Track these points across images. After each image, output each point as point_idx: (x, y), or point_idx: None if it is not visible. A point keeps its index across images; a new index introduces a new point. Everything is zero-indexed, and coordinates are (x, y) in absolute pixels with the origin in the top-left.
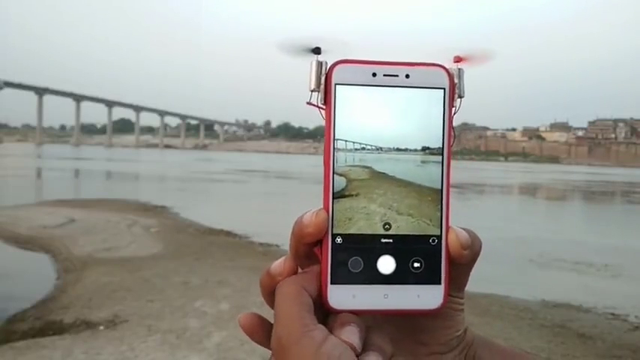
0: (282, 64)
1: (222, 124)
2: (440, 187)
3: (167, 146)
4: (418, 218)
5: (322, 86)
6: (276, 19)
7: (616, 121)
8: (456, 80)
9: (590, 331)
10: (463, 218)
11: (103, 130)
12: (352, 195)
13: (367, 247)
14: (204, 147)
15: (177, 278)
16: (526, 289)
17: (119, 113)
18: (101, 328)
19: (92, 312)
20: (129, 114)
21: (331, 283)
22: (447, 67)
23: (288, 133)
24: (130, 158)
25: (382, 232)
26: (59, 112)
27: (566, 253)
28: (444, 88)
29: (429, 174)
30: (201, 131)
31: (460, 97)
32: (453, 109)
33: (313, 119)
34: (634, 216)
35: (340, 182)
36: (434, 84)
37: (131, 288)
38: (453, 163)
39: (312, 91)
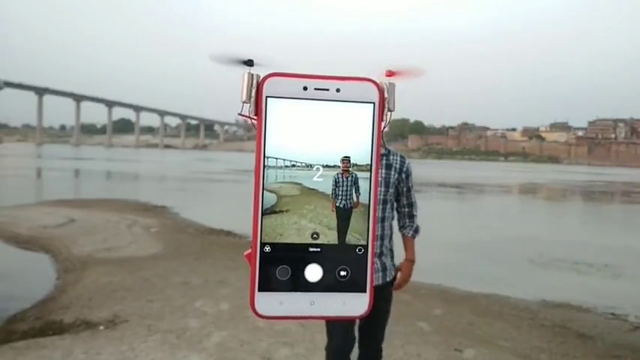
0: (282, 64)
1: (222, 124)
2: (367, 202)
3: (167, 146)
4: (347, 232)
5: (253, 98)
6: (277, 19)
7: (616, 121)
8: (386, 95)
9: (590, 331)
10: (463, 218)
11: (103, 130)
12: (283, 211)
13: (295, 255)
14: (204, 147)
15: (177, 278)
16: (526, 289)
17: (119, 113)
18: (101, 328)
19: (92, 312)
20: (129, 114)
21: (258, 290)
22: (379, 81)
23: None
24: (129, 158)
25: (310, 241)
26: (59, 112)
27: (566, 253)
28: (374, 103)
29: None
30: (201, 131)
31: (390, 110)
32: (382, 122)
33: None
34: (634, 216)
35: (271, 198)
36: (364, 98)
37: (131, 288)
38: (452, 163)
39: (243, 102)
